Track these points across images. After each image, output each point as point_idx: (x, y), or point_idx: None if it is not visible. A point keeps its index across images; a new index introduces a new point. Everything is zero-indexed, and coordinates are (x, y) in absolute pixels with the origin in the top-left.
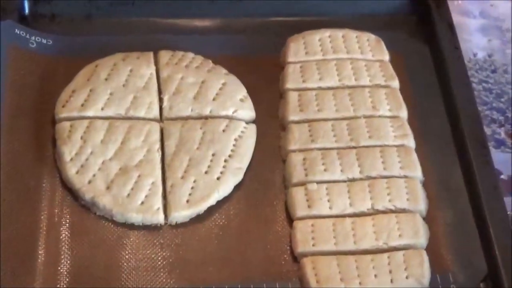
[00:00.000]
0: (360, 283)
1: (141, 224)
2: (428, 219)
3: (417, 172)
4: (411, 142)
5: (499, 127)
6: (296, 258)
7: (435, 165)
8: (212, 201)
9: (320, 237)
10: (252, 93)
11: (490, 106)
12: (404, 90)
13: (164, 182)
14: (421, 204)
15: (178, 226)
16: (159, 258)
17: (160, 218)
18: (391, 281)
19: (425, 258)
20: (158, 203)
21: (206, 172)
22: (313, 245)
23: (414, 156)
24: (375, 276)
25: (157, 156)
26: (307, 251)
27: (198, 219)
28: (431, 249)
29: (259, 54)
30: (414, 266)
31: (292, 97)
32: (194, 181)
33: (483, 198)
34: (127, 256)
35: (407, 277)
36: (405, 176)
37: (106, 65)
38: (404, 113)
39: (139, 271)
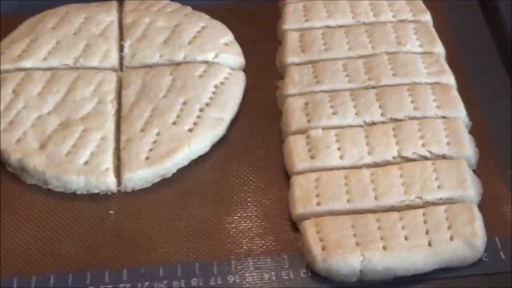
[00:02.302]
0: (384, 247)
1: (85, 192)
2: (481, 173)
3: (459, 111)
4: (450, 79)
5: None
6: (296, 225)
7: (486, 109)
8: (180, 158)
9: (327, 193)
10: (246, 42)
11: None
12: (442, 29)
13: (118, 138)
14: (467, 148)
15: (135, 193)
16: (108, 234)
17: (109, 182)
18: (429, 243)
19: (477, 213)
20: (107, 162)
21: (174, 123)
22: (317, 204)
23: (455, 93)
24: (406, 238)
25: (110, 107)
26: (309, 212)
27: (164, 184)
28: (487, 207)
29: (254, 2)
30: (461, 224)
31: (292, 38)
32: (157, 134)
33: None
34: (65, 234)
35: (451, 238)
36: (444, 117)
37: (56, 14)
38: (439, 48)
39: (81, 251)
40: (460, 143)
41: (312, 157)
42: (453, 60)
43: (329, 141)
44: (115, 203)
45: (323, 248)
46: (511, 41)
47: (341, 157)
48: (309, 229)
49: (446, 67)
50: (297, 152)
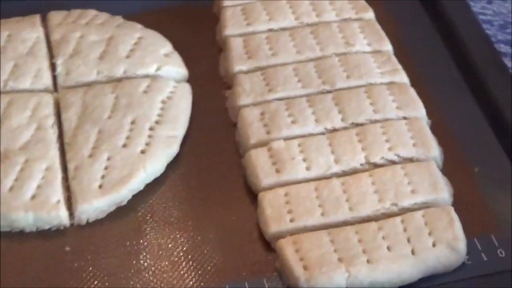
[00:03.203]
0: (368, 261)
1: (35, 229)
2: (447, 172)
3: (420, 111)
4: (403, 78)
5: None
6: (270, 245)
7: (440, 104)
8: (136, 183)
9: (299, 208)
10: (183, 50)
11: (495, 39)
12: (385, 24)
13: (65, 166)
14: (434, 149)
15: (90, 225)
16: (65, 273)
17: (62, 216)
18: (412, 252)
19: (455, 216)
20: (57, 194)
21: (124, 145)
22: (291, 220)
23: (412, 92)
24: (388, 248)
25: (51, 133)
26: (283, 230)
27: (120, 212)
28: (459, 209)
29: (185, 4)
30: (442, 228)
31: (235, 44)
32: (108, 159)
33: None
34: (18, 277)
35: (434, 245)
36: (405, 118)
37: None
38: (387, 46)
39: None
40: (426, 144)
41: (277, 171)
42: (399, 56)
43: (293, 152)
44: (70, 239)
45: (305, 268)
46: (455, 32)
47: (307, 168)
48: (287, 249)
49: (399, 66)
50: (261, 166)
